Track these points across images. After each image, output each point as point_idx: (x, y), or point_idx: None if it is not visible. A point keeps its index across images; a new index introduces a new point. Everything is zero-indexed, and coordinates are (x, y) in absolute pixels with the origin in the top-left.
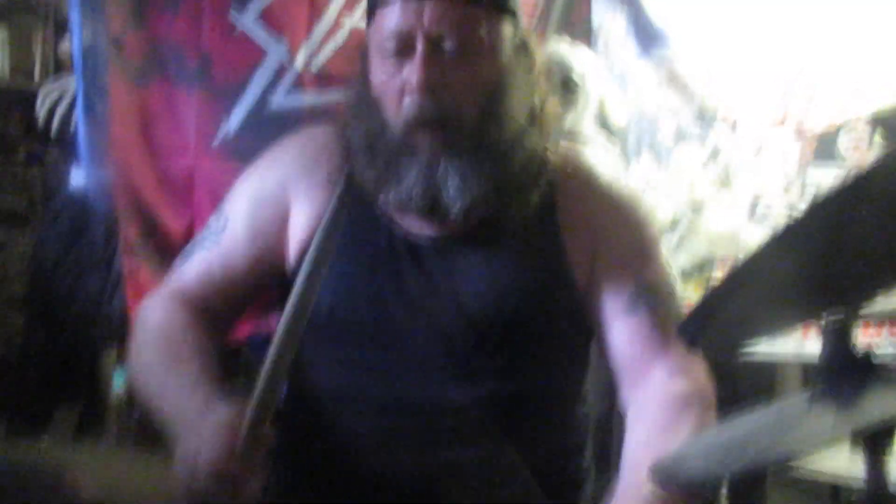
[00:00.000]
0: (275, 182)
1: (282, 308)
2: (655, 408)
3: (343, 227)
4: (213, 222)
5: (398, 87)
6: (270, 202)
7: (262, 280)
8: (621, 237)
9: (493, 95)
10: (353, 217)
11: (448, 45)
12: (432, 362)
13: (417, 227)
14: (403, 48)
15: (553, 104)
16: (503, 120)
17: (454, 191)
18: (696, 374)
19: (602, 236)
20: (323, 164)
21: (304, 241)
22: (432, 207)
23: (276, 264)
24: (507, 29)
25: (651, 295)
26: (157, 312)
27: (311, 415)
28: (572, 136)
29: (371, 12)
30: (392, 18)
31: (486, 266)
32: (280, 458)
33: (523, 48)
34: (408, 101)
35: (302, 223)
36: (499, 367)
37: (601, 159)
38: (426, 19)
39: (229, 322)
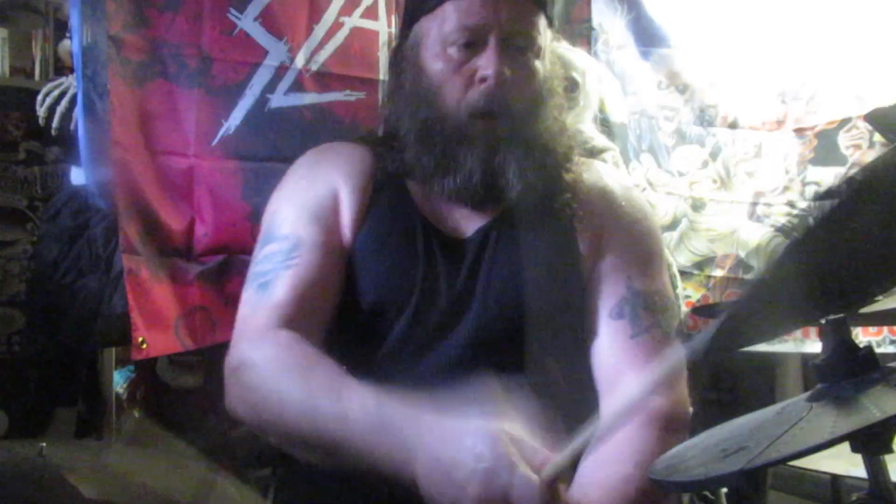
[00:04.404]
0: (324, 188)
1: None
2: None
3: (383, 227)
4: (276, 247)
5: (464, 77)
6: (327, 207)
7: (343, 278)
8: (624, 242)
9: (541, 92)
10: (392, 216)
11: (517, 41)
12: (466, 353)
13: (455, 224)
14: (473, 41)
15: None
16: (548, 115)
17: (512, 176)
18: (673, 394)
19: (607, 238)
20: (360, 172)
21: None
22: (488, 193)
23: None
24: (548, 32)
25: (639, 303)
26: (267, 349)
27: None
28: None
29: (432, 5)
30: (466, 12)
31: (518, 262)
32: None
33: (554, 51)
34: (476, 90)
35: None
36: (527, 360)
37: (612, 170)
38: (501, 16)
39: (321, 337)
